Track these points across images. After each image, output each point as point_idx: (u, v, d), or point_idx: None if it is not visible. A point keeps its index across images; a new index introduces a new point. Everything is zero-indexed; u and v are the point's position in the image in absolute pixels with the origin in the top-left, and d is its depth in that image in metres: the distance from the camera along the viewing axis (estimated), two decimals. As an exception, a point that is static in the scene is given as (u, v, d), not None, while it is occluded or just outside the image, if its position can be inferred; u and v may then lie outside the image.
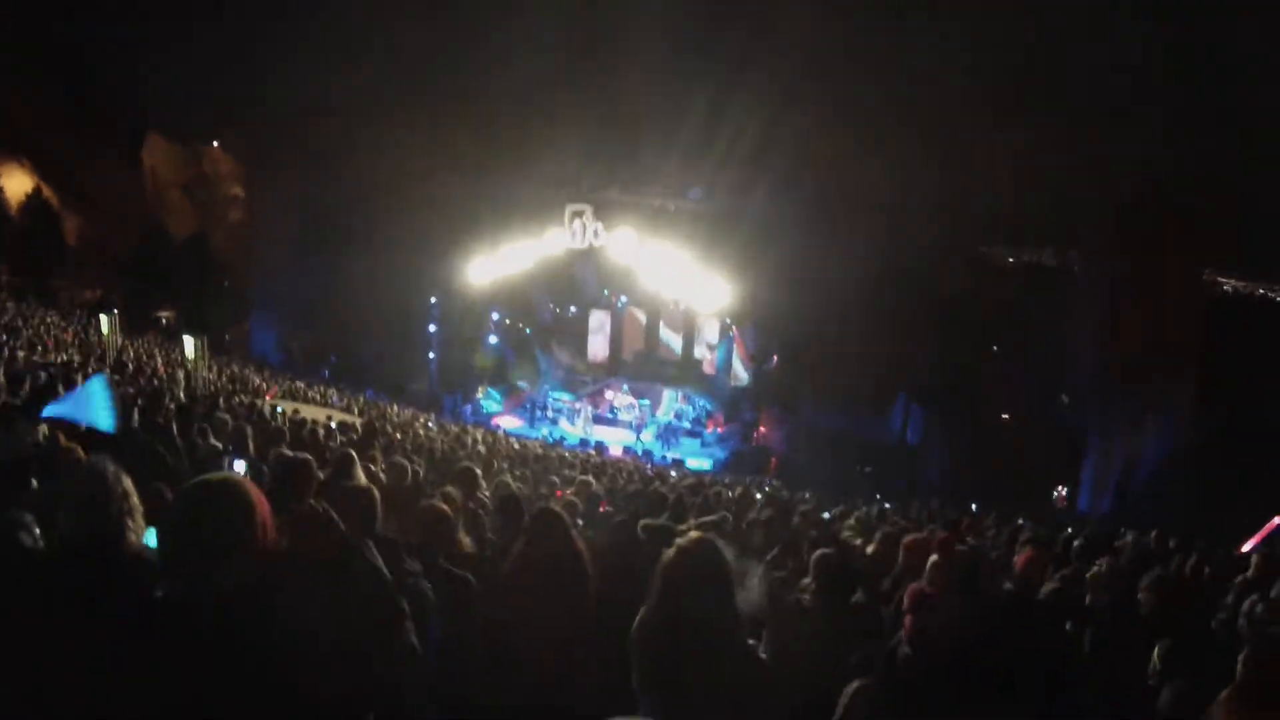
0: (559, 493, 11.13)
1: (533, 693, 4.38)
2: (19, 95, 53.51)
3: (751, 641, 4.05)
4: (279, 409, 19.95)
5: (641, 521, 7.21)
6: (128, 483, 3.43)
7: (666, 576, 3.54)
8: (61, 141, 56.18)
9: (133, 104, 55.90)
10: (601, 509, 10.05)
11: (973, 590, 5.41)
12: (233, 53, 51.56)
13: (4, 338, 20.59)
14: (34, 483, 4.34)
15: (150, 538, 3.96)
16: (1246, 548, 14.87)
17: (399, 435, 18.59)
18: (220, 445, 8.40)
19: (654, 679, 3.54)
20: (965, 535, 10.43)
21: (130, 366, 20.93)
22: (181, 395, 15.87)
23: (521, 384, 53.11)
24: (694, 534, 3.78)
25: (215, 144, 61.80)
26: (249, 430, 9.83)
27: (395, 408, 37.21)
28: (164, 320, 50.92)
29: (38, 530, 3.75)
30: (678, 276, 48.27)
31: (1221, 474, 32.86)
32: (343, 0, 51.14)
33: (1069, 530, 16.59)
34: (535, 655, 4.48)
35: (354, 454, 7.48)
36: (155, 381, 17.38)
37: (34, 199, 54.57)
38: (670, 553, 3.62)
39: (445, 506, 5.75)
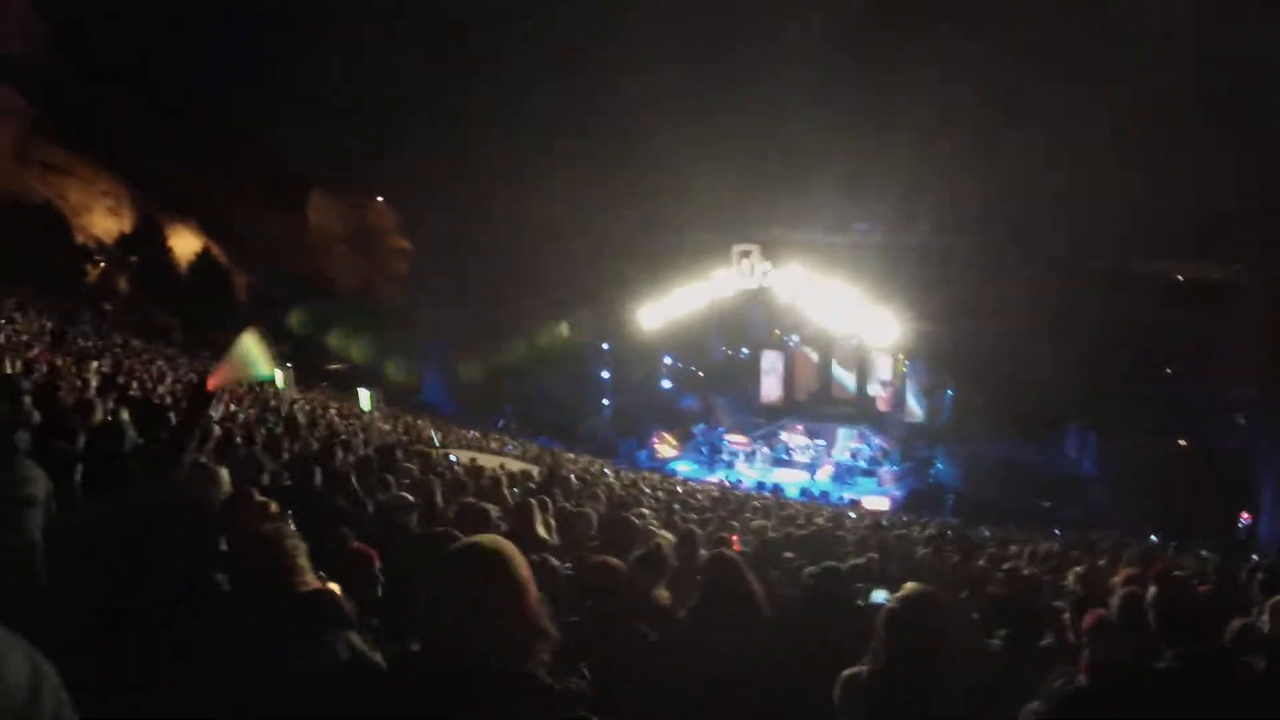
0: (733, 537, 11.99)
1: None
2: (183, 160, 60.82)
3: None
4: (454, 457, 21.90)
5: (807, 569, 8.09)
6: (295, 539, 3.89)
7: (890, 634, 4.00)
8: (226, 202, 62.97)
9: (295, 163, 62.25)
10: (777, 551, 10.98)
11: (1182, 628, 5.15)
12: (391, 108, 55.70)
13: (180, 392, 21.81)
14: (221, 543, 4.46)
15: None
16: None
17: (578, 482, 19.51)
18: (409, 497, 8.70)
19: None
20: (1162, 570, 10.39)
21: (305, 420, 22.91)
22: (360, 447, 17.15)
23: (696, 427, 55.02)
24: (910, 586, 4.27)
25: (378, 198, 68.17)
26: (435, 482, 10.77)
27: (571, 454, 39.36)
28: (336, 372, 56.06)
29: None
30: (848, 312, 50.54)
31: None
32: (502, 51, 51.39)
33: (1253, 559, 17.11)
34: (711, 705, 4.69)
35: (534, 503, 8.44)
36: (332, 434, 18.88)
37: (203, 257, 61.09)
38: (895, 603, 4.13)
39: (663, 548, 6.20)
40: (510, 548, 2.97)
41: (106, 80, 59.24)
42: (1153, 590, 5.64)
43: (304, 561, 3.83)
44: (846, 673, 4.25)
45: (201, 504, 4.56)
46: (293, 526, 4.74)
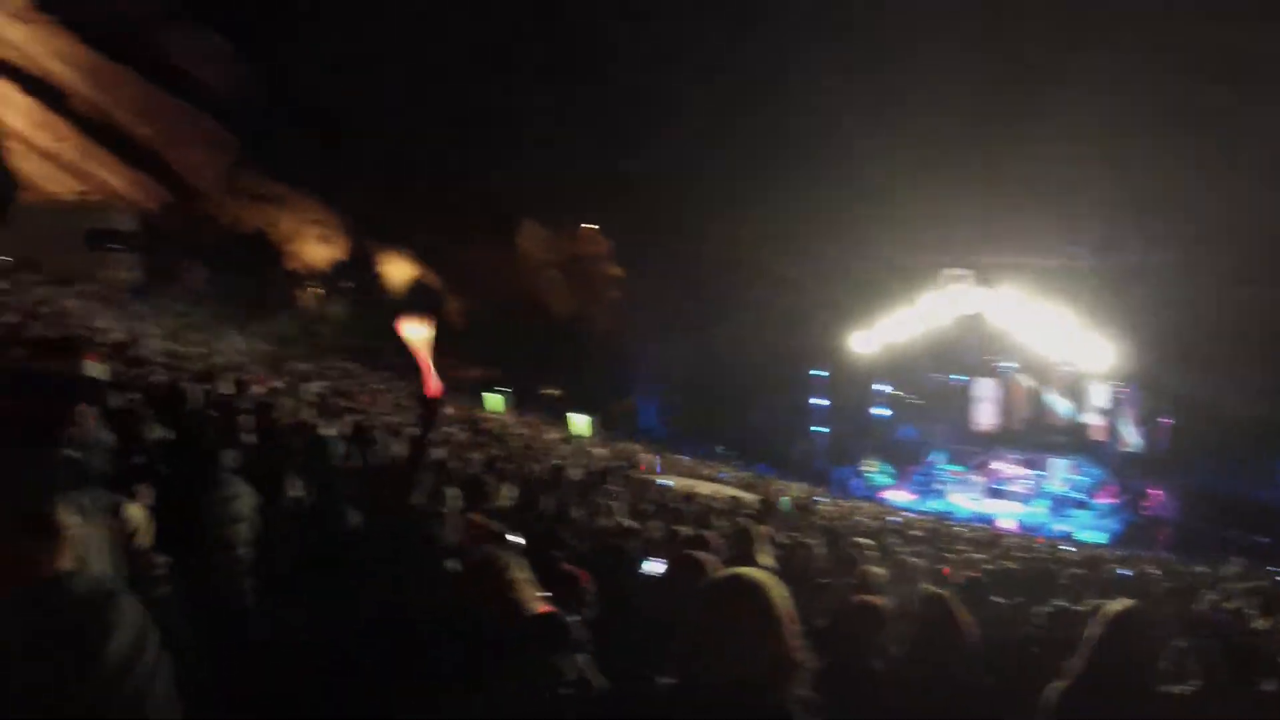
0: (945, 570, 12.19)
1: None
2: (394, 191, 66.01)
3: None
4: (669, 483, 22.85)
5: (1035, 609, 8.54)
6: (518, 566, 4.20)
7: (1103, 643, 4.35)
8: (436, 231, 68.14)
9: (505, 191, 66.80)
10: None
11: None
12: (599, 135, 56.32)
13: (394, 418, 23.06)
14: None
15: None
16: None
17: (797, 511, 20.26)
18: (629, 523, 9.28)
19: None
20: None
21: (519, 444, 23.96)
22: (575, 473, 17.56)
23: (909, 456, 56.76)
24: (1127, 602, 4.56)
25: (589, 225, 72.44)
26: (651, 510, 11.48)
27: (783, 483, 40.72)
28: (550, 397, 56.90)
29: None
30: (1063, 339, 51.70)
31: None
32: (712, 77, 54.18)
33: None
34: None
35: (754, 530, 8.66)
36: (552, 459, 19.37)
37: (416, 284, 68.02)
38: (1104, 616, 4.45)
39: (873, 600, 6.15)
40: (771, 579, 3.15)
41: (310, 115, 62.08)
42: None
43: (529, 581, 4.18)
44: (1050, 686, 4.56)
45: (432, 529, 5.10)
46: (516, 547, 5.44)
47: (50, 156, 61.79)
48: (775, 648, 2.95)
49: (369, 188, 63.97)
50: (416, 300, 62.42)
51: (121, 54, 62.17)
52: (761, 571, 3.26)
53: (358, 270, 66.14)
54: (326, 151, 63.42)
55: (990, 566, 13.44)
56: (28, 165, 61.10)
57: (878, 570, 9.32)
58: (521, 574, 4.17)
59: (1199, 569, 24.14)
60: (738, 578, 3.18)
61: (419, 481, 5.45)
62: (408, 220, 66.54)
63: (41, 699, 2.02)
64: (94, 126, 62.54)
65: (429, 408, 5.74)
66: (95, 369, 6.13)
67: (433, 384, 5.45)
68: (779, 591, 3.08)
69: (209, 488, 6.04)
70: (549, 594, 4.83)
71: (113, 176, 62.81)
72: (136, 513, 4.42)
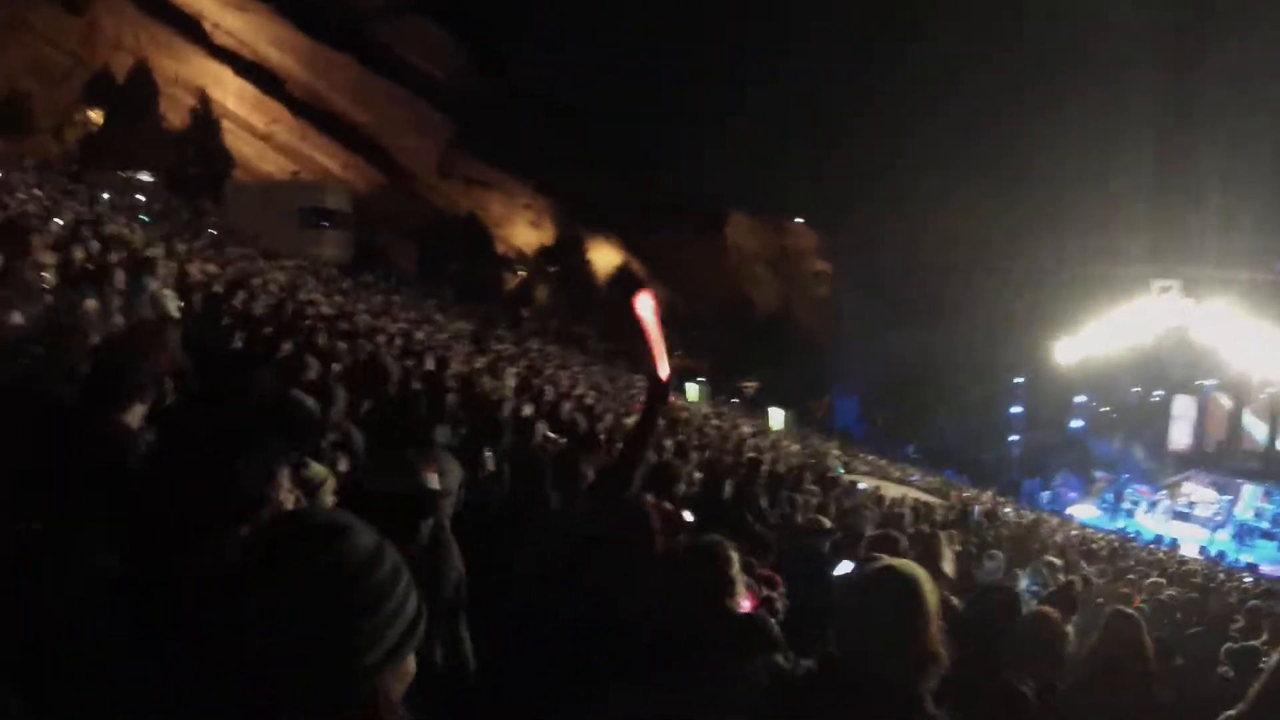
0: (1135, 601, 11.96)
1: None
2: (601, 179, 71.37)
3: None
4: (862, 485, 23.33)
5: (1225, 646, 8.57)
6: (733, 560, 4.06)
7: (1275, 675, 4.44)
8: (646, 216, 73.37)
9: (716, 180, 71.06)
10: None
11: None
12: (815, 134, 59.10)
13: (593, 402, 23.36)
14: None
15: None
16: None
17: (986, 523, 20.87)
18: (825, 522, 9.06)
19: None
20: None
21: (716, 435, 24.88)
22: (771, 467, 17.51)
23: (1100, 472, 57.46)
24: None
25: (798, 220, 75.90)
26: (866, 513, 12.10)
27: (976, 490, 42.02)
28: (747, 391, 62.84)
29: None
30: (1269, 358, 51.76)
31: None
32: (927, 73, 57.09)
33: None
34: None
35: (942, 536, 8.95)
36: (746, 453, 19.57)
37: (622, 271, 71.35)
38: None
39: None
40: (923, 574, 3.16)
41: (524, 102, 65.96)
42: None
43: (739, 578, 4.19)
44: (1223, 716, 4.65)
45: (637, 525, 4.60)
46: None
47: (265, 138, 69.61)
48: (921, 643, 3.01)
49: (580, 174, 69.89)
50: (621, 288, 65.19)
51: (342, 42, 66.85)
52: (915, 565, 3.35)
53: (564, 255, 71.28)
54: (540, 138, 67.67)
55: (1172, 593, 13.97)
56: (243, 146, 68.31)
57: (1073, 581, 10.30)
58: (733, 568, 4.17)
59: None
60: (893, 570, 3.27)
61: (640, 463, 5.40)
62: (616, 208, 72.46)
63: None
64: (310, 111, 70.39)
65: (657, 390, 5.45)
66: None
67: (662, 366, 5.18)
68: (930, 587, 3.14)
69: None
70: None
71: (327, 158, 70.46)
72: (320, 470, 4.72)
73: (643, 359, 5.64)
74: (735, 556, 4.18)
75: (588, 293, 69.26)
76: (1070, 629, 6.42)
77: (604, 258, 73.38)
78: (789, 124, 64.14)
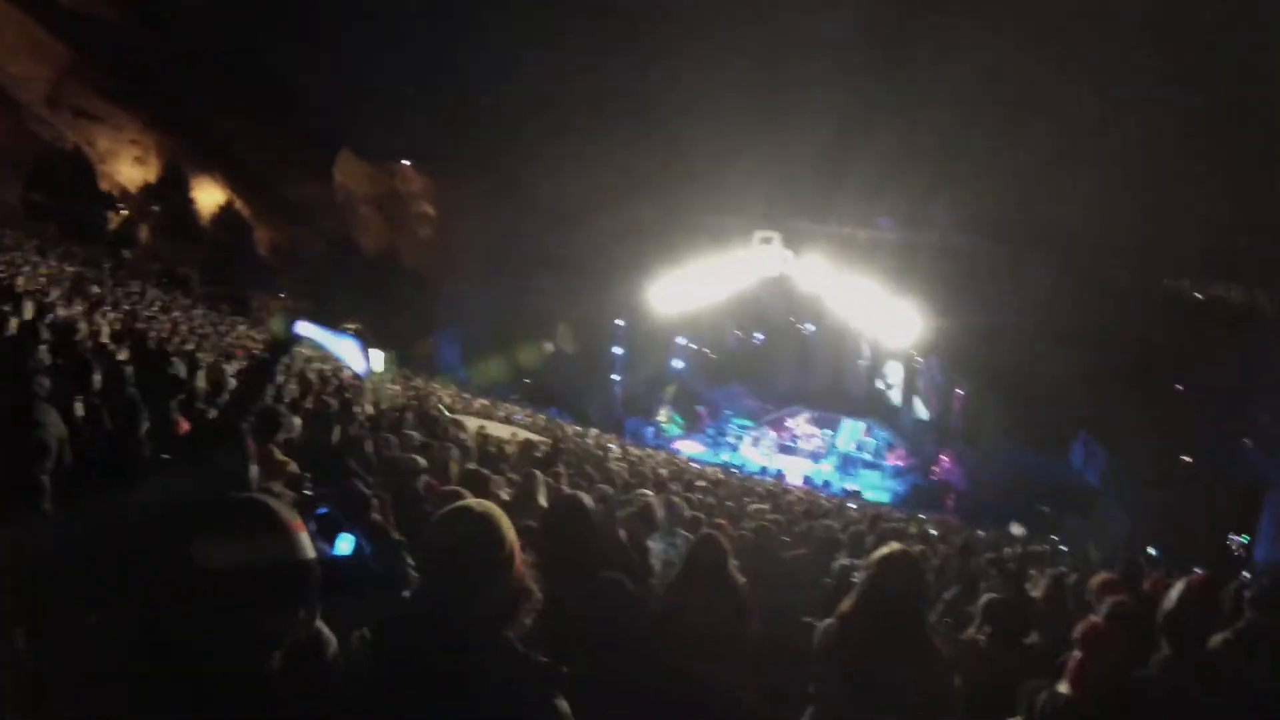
0: (725, 519, 12.34)
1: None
2: (215, 110, 62.11)
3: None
4: (463, 423, 22.12)
5: (835, 563, 9.47)
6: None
7: (873, 582, 4.59)
8: (254, 155, 71.68)
9: (326, 120, 70.46)
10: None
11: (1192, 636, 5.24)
12: (426, 76, 58.23)
13: (195, 347, 23.30)
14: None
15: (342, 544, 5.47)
16: None
17: (582, 457, 20.73)
18: (419, 460, 9.17)
19: (842, 680, 4.57)
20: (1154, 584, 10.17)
21: (316, 379, 23.70)
22: (369, 408, 17.95)
23: (702, 409, 60.23)
24: (896, 545, 4.83)
25: (407, 162, 74.59)
26: (451, 449, 11.88)
27: (578, 428, 41.03)
28: (351, 332, 53.65)
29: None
30: (865, 307, 54.81)
31: None
32: (533, 29, 54.31)
33: (1244, 576, 17.86)
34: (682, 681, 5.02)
35: (538, 474, 9.36)
36: (345, 394, 19.00)
37: (226, 211, 68.07)
38: (876, 558, 4.71)
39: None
40: (498, 512, 3.14)
41: (157, 28, 62.46)
42: (1116, 598, 5.79)
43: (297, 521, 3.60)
44: (823, 623, 4.86)
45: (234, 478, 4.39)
46: (309, 484, 5.60)
47: None
48: (504, 580, 3.00)
49: (194, 109, 64.23)
50: (225, 228, 64.87)
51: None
52: (490, 504, 3.25)
53: (169, 194, 67.58)
54: (158, 70, 63.54)
55: (776, 518, 13.69)
56: None
57: (651, 496, 9.87)
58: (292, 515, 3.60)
59: (980, 532, 25.49)
60: (466, 508, 3.17)
61: (248, 413, 4.97)
62: (225, 145, 69.68)
63: None
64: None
65: (282, 344, 5.24)
66: None
67: (358, 366, 5.68)
68: (506, 524, 3.11)
69: (21, 415, 6.03)
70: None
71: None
72: None
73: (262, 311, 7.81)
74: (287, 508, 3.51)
75: (192, 233, 66.01)
76: (652, 544, 8.01)
77: (209, 197, 69.38)
78: (401, 64, 62.32)
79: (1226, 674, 5.24)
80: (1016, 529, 30.17)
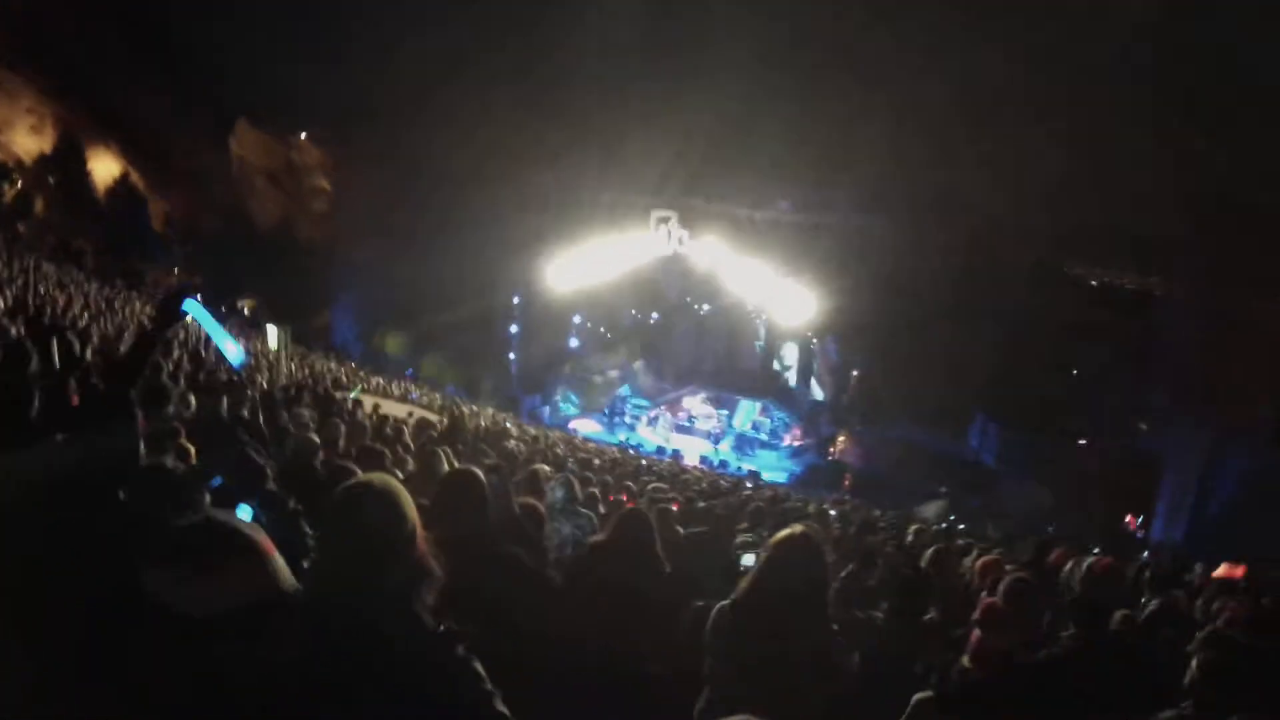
0: (624, 497, 12.77)
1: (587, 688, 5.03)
2: (109, 77, 66.71)
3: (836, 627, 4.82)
4: (360, 401, 22.32)
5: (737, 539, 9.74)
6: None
7: (770, 565, 4.51)
8: (150, 123, 68.51)
9: (223, 89, 67.12)
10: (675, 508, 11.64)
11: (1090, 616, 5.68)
12: (322, 45, 60.48)
13: (88, 322, 22.10)
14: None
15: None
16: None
17: (480, 436, 19.99)
18: (317, 439, 8.91)
19: (738, 660, 4.49)
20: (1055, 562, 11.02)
21: (209, 356, 22.23)
22: (264, 385, 17.89)
23: (600, 387, 59.66)
24: (797, 526, 4.68)
25: (303, 135, 73.28)
26: (339, 425, 11.35)
27: (475, 406, 40.79)
28: (245, 309, 54.56)
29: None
30: (761, 287, 55.08)
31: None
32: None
33: (1144, 556, 19.51)
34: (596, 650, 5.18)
35: (439, 451, 9.22)
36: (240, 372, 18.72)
37: (121, 183, 66.77)
38: (774, 541, 4.61)
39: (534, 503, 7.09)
40: (400, 488, 3.09)
41: None
42: (1013, 576, 6.23)
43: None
44: (718, 606, 4.78)
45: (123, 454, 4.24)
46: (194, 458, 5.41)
47: None
48: (407, 557, 2.93)
49: (93, 77, 62.65)
50: (121, 200, 63.85)
51: None
52: (392, 480, 3.17)
53: (64, 165, 65.25)
54: (51, 34, 61.44)
55: (675, 496, 13.77)
56: None
57: (546, 469, 10.47)
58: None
59: (877, 511, 25.87)
60: (369, 484, 3.09)
61: (134, 385, 4.59)
62: (122, 115, 66.44)
63: None
64: None
65: (167, 315, 4.93)
66: None
67: (232, 354, 5.76)
68: (409, 500, 3.04)
69: None
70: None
71: None
72: None
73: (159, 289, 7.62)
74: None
75: (87, 205, 64.21)
76: (554, 524, 8.14)
77: (105, 168, 67.45)
78: (301, 31, 60.61)
79: (1130, 651, 5.84)
80: (931, 508, 29.99)
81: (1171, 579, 11.80)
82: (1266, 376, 41.71)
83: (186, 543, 2.66)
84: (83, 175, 65.48)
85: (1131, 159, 44.38)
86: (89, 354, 12.57)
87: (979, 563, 9.33)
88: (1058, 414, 50.05)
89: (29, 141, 65.39)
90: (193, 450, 7.12)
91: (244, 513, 5.51)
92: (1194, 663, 4.93)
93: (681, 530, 10.26)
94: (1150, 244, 48.46)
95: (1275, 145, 40.07)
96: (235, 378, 19.19)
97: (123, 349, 14.25)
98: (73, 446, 4.40)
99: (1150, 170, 43.33)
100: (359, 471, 6.08)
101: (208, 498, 5.18)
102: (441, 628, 2.92)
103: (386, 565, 2.87)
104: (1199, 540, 37.85)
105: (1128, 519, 45.03)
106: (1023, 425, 50.41)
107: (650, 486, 15.06)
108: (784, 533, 4.72)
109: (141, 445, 4.35)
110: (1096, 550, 17.98)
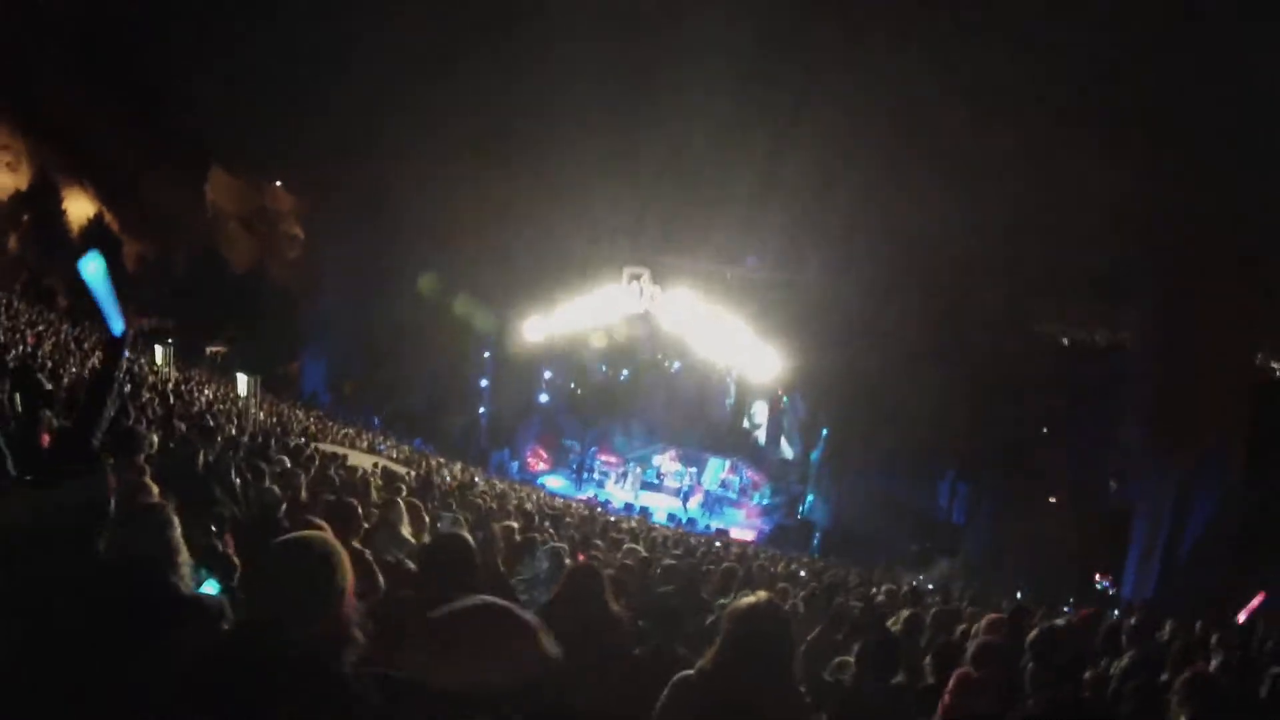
0: (580, 556, 12.28)
1: None
2: (86, 118, 64.09)
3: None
4: (331, 452, 21.65)
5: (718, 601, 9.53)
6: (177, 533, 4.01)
7: (734, 634, 4.14)
8: (125, 165, 67.99)
9: (198, 135, 66.90)
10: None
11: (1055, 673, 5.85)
12: (298, 95, 58.48)
13: (57, 363, 21.84)
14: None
15: (209, 585, 5.23)
16: (1241, 618, 17.67)
17: (448, 491, 20.18)
18: (278, 491, 9.24)
19: None
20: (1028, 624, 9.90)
21: (179, 402, 22.90)
22: (233, 433, 17.81)
23: (569, 443, 59.40)
24: (761, 593, 4.42)
25: (277, 182, 73.74)
26: (302, 478, 11.24)
27: (443, 459, 41.39)
28: (215, 356, 53.71)
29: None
30: (731, 344, 54.80)
31: (1269, 554, 34.15)
32: (405, 51, 52.65)
33: (1113, 614, 17.92)
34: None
35: (402, 503, 9.22)
36: (208, 420, 18.13)
37: (95, 224, 65.17)
38: (738, 607, 4.26)
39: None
40: (338, 547, 3.11)
41: (31, 29, 59.81)
42: (981, 640, 6.27)
43: (181, 547, 4.15)
44: (678, 676, 4.38)
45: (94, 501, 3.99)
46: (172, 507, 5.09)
47: None
48: (332, 616, 2.92)
49: (71, 117, 61.71)
50: (95, 240, 60.63)
51: None
52: (330, 539, 3.22)
53: (38, 203, 64.58)
54: (34, 67, 60.92)
55: (645, 555, 13.53)
56: None
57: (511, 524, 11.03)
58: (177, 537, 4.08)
59: (845, 571, 24.97)
60: (305, 541, 3.13)
61: (98, 423, 4.80)
62: (99, 155, 65.58)
63: None
64: None
65: (112, 347, 5.18)
66: None
67: (115, 323, 4.97)
68: (344, 560, 3.06)
69: None
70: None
71: None
72: None
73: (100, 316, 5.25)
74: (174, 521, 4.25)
75: (60, 244, 62.01)
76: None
77: (80, 208, 67.03)
78: (277, 81, 60.12)
79: (1098, 712, 5.99)
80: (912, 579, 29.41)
81: (1141, 636, 11.18)
82: (1231, 418, 41.88)
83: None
84: (57, 214, 64.97)
85: (1092, 201, 44.79)
86: (58, 394, 13.14)
87: (957, 629, 9.25)
88: (1028, 471, 48.69)
89: (4, 178, 64.94)
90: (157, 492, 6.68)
91: (210, 587, 5.48)
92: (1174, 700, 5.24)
93: (655, 587, 10.31)
94: (1119, 301, 49.85)
95: (1239, 187, 40.35)
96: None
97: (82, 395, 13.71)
98: (41, 491, 4.51)
99: (1109, 212, 43.76)
100: (325, 526, 5.83)
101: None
102: (361, 681, 2.89)
103: (303, 618, 2.84)
104: (1169, 594, 37.36)
105: (1097, 576, 45.03)
106: (991, 484, 50.17)
107: (625, 546, 14.71)
108: (748, 600, 4.33)
109: (111, 495, 4.11)
110: (1067, 609, 19.63)
